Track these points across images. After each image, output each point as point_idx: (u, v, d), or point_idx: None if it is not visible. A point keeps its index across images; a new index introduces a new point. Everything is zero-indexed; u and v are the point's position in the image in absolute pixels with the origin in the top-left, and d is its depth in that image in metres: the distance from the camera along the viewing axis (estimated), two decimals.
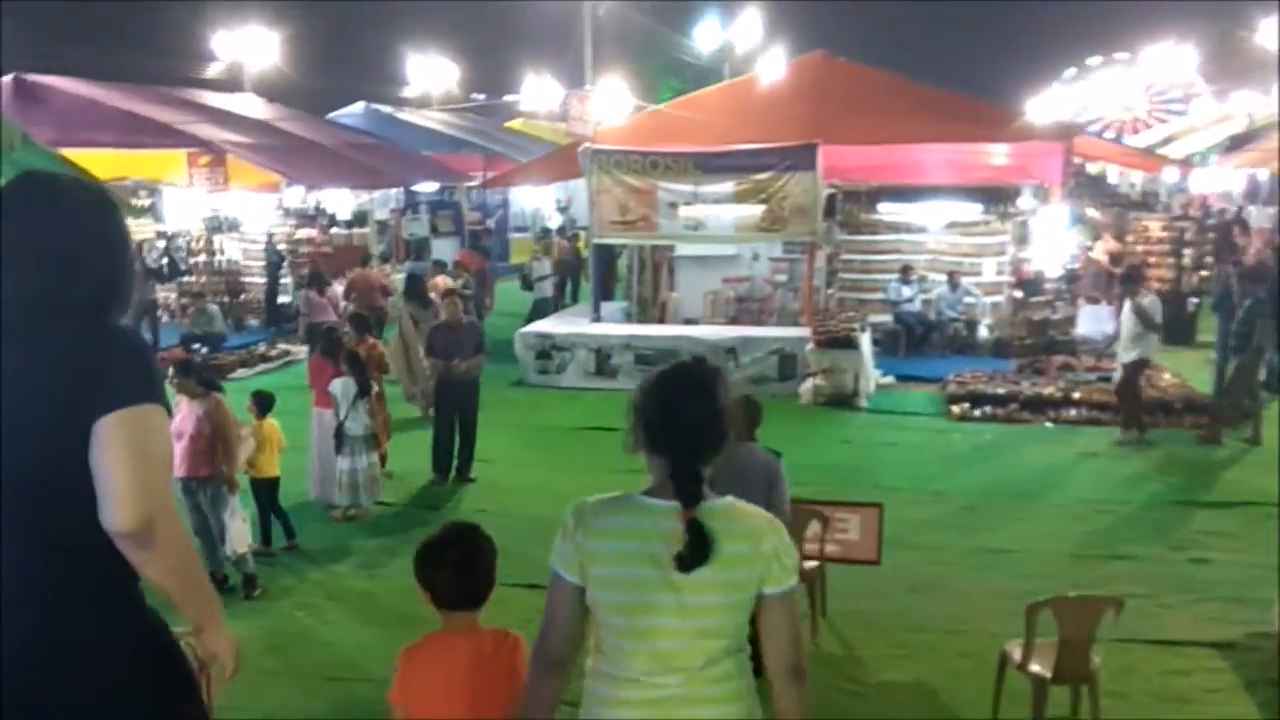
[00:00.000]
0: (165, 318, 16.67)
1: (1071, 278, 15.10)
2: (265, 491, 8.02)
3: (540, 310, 16.67)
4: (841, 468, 9.94)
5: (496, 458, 10.31)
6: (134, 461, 1.92)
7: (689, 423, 2.28)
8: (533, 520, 8.59)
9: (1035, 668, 5.12)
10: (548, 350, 13.66)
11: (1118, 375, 10.83)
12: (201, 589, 2.24)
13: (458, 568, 2.93)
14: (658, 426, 2.30)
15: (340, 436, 8.66)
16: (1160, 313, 10.57)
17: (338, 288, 15.16)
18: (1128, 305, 10.40)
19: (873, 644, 6.41)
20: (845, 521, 6.50)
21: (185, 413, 6.90)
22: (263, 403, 8.10)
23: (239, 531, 7.03)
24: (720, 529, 2.25)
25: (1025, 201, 15.03)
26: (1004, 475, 9.82)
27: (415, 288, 13.10)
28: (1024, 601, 6.73)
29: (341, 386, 8.67)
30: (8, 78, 15.88)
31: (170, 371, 6.97)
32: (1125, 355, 10.58)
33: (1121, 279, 11.47)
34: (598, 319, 14.59)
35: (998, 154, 14.75)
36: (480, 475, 9.76)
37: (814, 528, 6.37)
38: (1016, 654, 5.24)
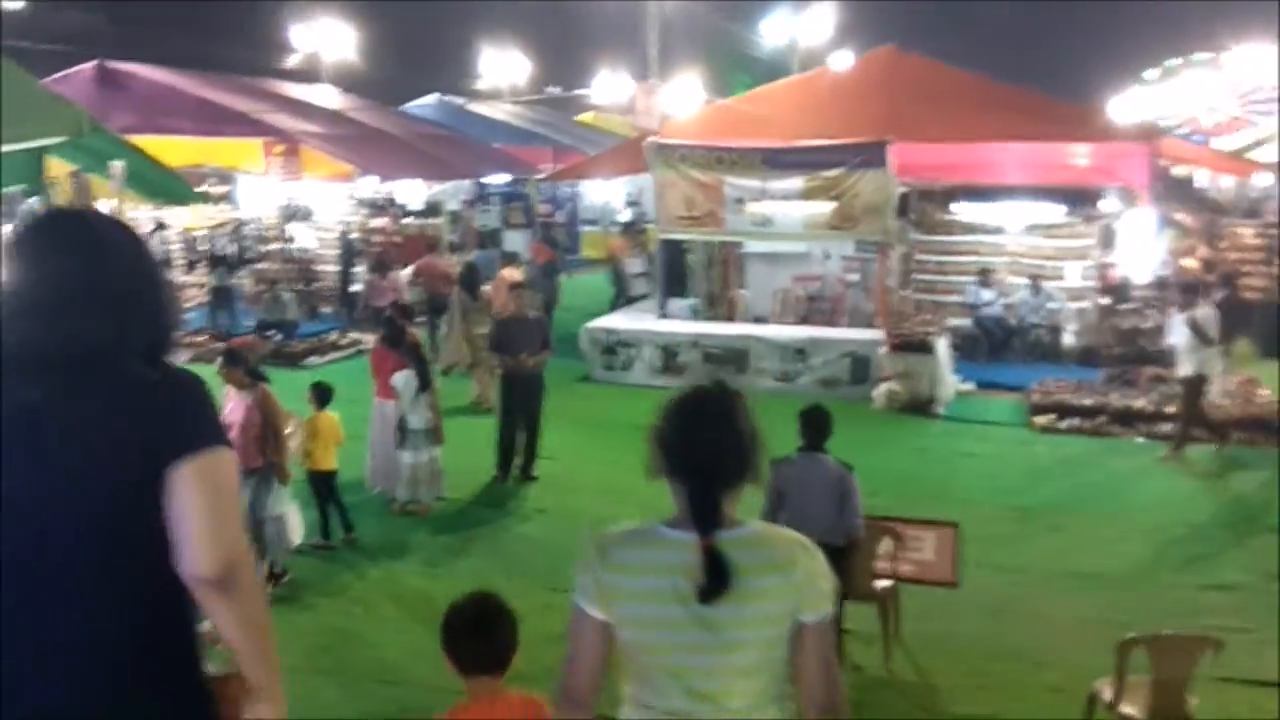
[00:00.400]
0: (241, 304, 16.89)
1: (1162, 285, 14.40)
2: (322, 484, 7.94)
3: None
4: (916, 478, 9.53)
5: (560, 454, 10.11)
6: (211, 507, 1.91)
7: (707, 448, 2.16)
8: (595, 521, 8.35)
9: (1128, 709, 4.74)
10: (614, 346, 13.43)
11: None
12: (268, 643, 2.13)
13: (476, 634, 2.95)
14: (676, 452, 2.20)
15: (403, 430, 8.56)
16: (1216, 326, 9.99)
17: (400, 273, 15.16)
18: (1181, 317, 9.91)
19: (949, 671, 6.05)
20: (919, 540, 6.14)
21: (234, 404, 6.81)
22: (322, 394, 8.03)
23: (295, 525, 6.97)
24: (745, 560, 2.10)
25: (1109, 204, 14.37)
26: (1092, 492, 9.31)
27: (468, 277, 12.97)
28: (1114, 630, 6.35)
29: (404, 379, 8.55)
30: (91, 65, 16.17)
31: (219, 362, 6.88)
32: (1181, 370, 10.08)
33: (1181, 289, 10.89)
34: (664, 315, 14.31)
35: (1079, 154, 14.08)
36: (542, 472, 9.57)
37: (886, 545, 6.03)
38: (1107, 693, 4.87)
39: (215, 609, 1.98)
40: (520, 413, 9.44)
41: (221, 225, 15.83)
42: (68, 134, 7.52)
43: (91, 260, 1.95)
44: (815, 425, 5.48)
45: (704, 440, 2.17)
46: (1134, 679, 4.72)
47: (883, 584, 6.06)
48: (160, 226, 16.97)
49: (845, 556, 5.34)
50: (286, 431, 7.13)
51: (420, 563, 7.69)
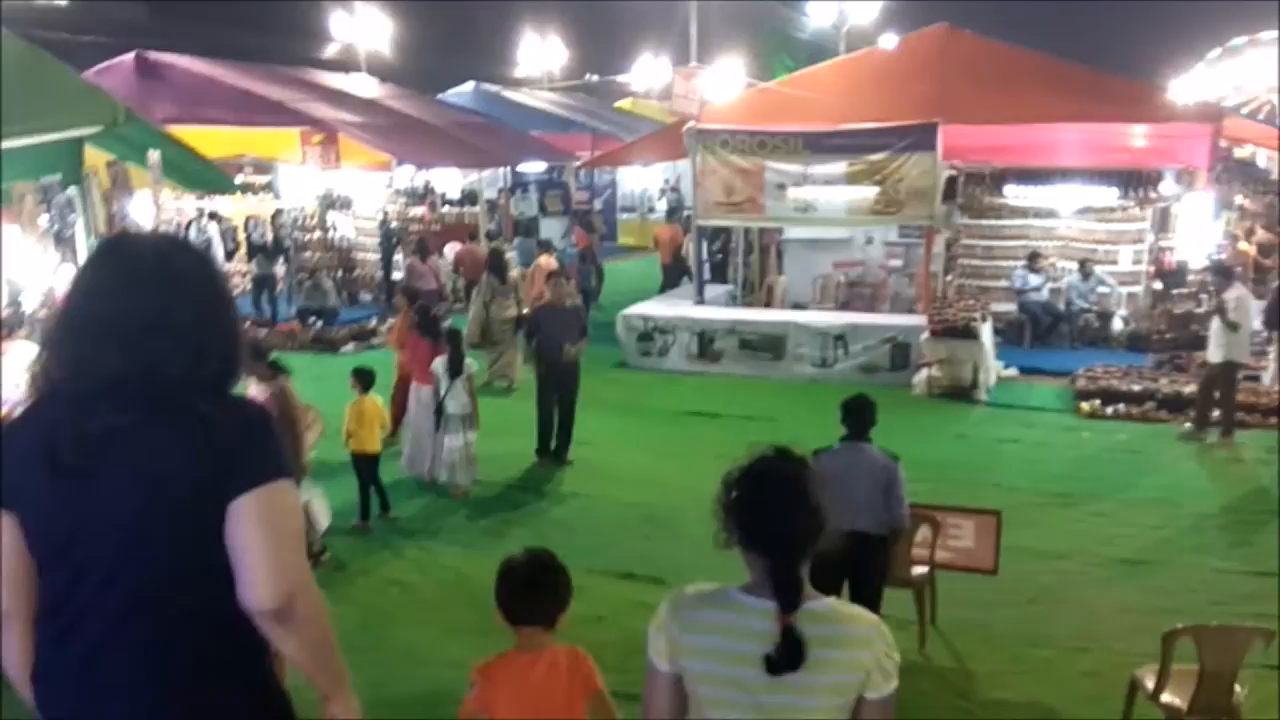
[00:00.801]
0: (283, 291, 17.06)
1: (1219, 270, 13.98)
2: (366, 466, 8.00)
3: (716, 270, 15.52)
4: (957, 465, 9.37)
5: (595, 440, 10.07)
6: (273, 539, 1.91)
7: (786, 526, 2.20)
8: (628, 507, 8.39)
9: (1170, 699, 4.61)
10: (650, 333, 13.37)
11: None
12: (334, 660, 2.16)
13: (527, 585, 3.14)
14: (752, 528, 2.22)
15: (440, 414, 8.61)
16: (1248, 311, 9.78)
17: (438, 259, 15.28)
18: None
19: (986, 657, 5.94)
20: (959, 527, 6.01)
21: (254, 395, 6.71)
22: (364, 379, 8.13)
23: (320, 509, 6.96)
24: (819, 635, 2.15)
25: (1168, 187, 13.99)
26: (1138, 479, 9.10)
27: (496, 262, 13.02)
28: (1156, 618, 6.22)
29: (443, 365, 8.62)
30: (129, 55, 16.36)
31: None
32: (1211, 356, 9.87)
33: (1214, 271, 10.61)
34: (701, 302, 14.21)
35: (1137, 135, 13.74)
36: (578, 458, 9.54)
37: (924, 532, 5.92)
38: (1149, 681, 4.73)
39: (278, 638, 1.99)
40: (555, 399, 9.42)
41: (257, 215, 15.97)
42: (103, 124, 7.64)
43: (167, 289, 1.94)
44: (858, 414, 5.36)
45: (780, 515, 2.21)
46: (1179, 667, 4.59)
47: (919, 570, 5.95)
48: (213, 216, 17.12)
49: (887, 547, 5.25)
50: (306, 424, 7.05)
51: (456, 544, 7.70)
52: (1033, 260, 13.79)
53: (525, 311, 12.41)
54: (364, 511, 7.99)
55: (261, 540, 1.89)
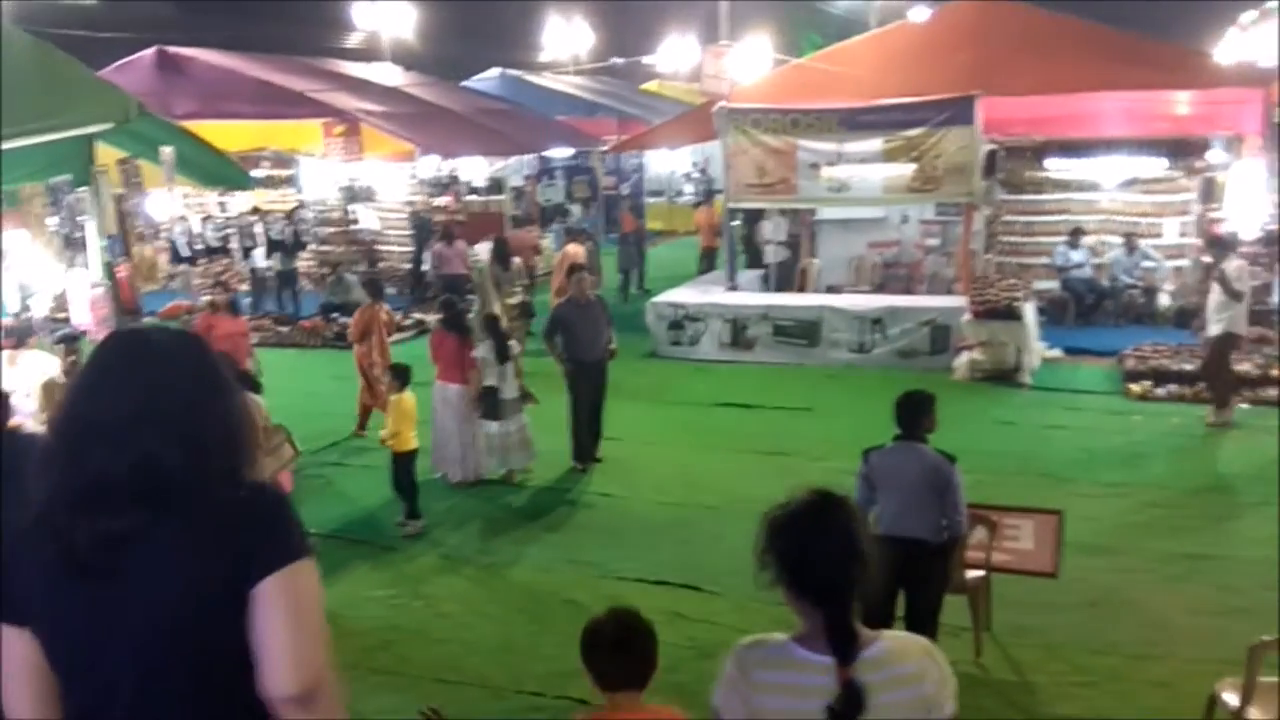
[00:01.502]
0: (307, 286, 16.88)
1: (1270, 240, 13.40)
2: (402, 465, 7.78)
3: (778, 281, 14.77)
4: (1003, 454, 8.96)
5: (625, 435, 9.77)
6: (293, 625, 1.86)
7: (840, 577, 2.18)
8: (660, 509, 8.07)
9: (1257, 715, 4.22)
10: (680, 321, 13.01)
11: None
12: None
13: (618, 650, 3.03)
14: (803, 578, 2.20)
15: (493, 401, 8.53)
16: (1247, 280, 9.42)
17: (465, 244, 15.18)
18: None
19: (1046, 667, 5.58)
20: (1016, 528, 5.64)
21: None
22: (401, 375, 7.91)
23: None
24: (878, 681, 2.15)
25: (1215, 155, 13.40)
26: (1196, 465, 8.65)
27: (499, 249, 13.30)
28: (1229, 621, 5.85)
29: (489, 350, 8.57)
30: (150, 51, 16.16)
31: None
32: (1211, 328, 9.50)
33: (1209, 242, 10.16)
34: (733, 287, 13.84)
35: (1183, 102, 13.17)
36: (607, 454, 9.23)
37: (979, 534, 5.55)
38: (1230, 696, 4.35)
39: None
40: (586, 398, 9.07)
41: (270, 211, 15.80)
42: (115, 120, 7.36)
43: (148, 381, 1.88)
44: (912, 412, 5.00)
45: (833, 565, 2.18)
46: (1265, 681, 4.21)
47: (973, 574, 5.59)
48: (255, 211, 16.84)
49: (945, 555, 4.89)
50: (269, 447, 6.31)
51: (482, 553, 7.42)
52: (1075, 236, 13.30)
53: (526, 299, 12.98)
54: (413, 508, 7.79)
55: (283, 626, 1.85)
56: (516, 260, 13.54)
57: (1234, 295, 9.29)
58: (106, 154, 8.08)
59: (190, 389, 1.91)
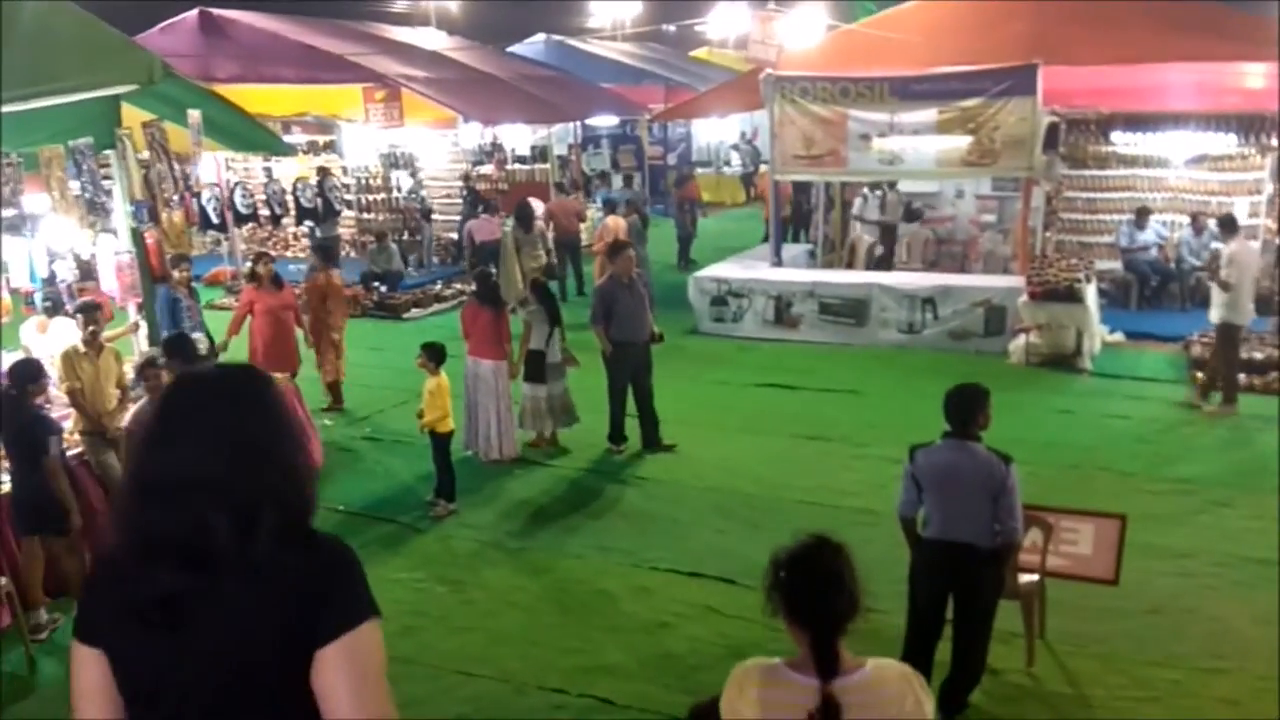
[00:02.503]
0: (350, 253, 16.73)
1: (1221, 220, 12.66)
2: (440, 447, 7.56)
3: (879, 265, 14.11)
4: (1060, 445, 8.53)
5: (665, 416, 9.39)
6: (358, 688, 1.80)
7: (828, 610, 2.50)
8: (697, 494, 7.78)
9: None
10: (724, 297, 12.63)
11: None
12: None
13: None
14: (798, 608, 2.54)
15: (539, 364, 8.53)
16: (1246, 268, 8.97)
17: (502, 213, 15.14)
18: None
19: (1104, 679, 5.22)
20: (1075, 532, 5.26)
21: (145, 409, 6.01)
22: (436, 355, 7.64)
23: None
24: (855, 702, 2.44)
25: None
26: (1266, 462, 8.12)
27: (521, 213, 13.48)
28: None
29: (543, 315, 8.54)
30: (193, 12, 16.02)
31: (160, 359, 6.14)
32: (1211, 315, 9.22)
33: (1220, 222, 9.65)
34: (779, 263, 13.41)
35: (1257, 75, 12.47)
36: (637, 436, 8.88)
37: (1034, 536, 5.18)
38: None
39: None
40: (634, 383, 8.67)
41: (305, 176, 15.58)
42: (138, 81, 7.19)
43: (197, 440, 1.81)
44: (964, 407, 4.60)
45: (822, 599, 2.50)
46: None
47: (1027, 579, 5.23)
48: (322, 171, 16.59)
49: (998, 562, 4.54)
50: None
51: (512, 537, 7.17)
52: (1141, 216, 12.67)
53: (551, 262, 13.37)
54: (448, 491, 7.58)
55: (348, 690, 1.79)
56: (539, 223, 13.68)
57: (1221, 285, 9.01)
58: (135, 116, 7.91)
59: (249, 443, 1.82)
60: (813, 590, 2.50)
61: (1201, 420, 9.16)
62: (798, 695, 2.48)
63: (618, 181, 22.12)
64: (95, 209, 7.12)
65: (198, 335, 8.19)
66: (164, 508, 1.77)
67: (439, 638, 5.80)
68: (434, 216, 17.30)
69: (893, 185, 14.33)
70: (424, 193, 17.35)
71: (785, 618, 2.55)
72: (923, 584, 4.63)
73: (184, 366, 5.75)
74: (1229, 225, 9.40)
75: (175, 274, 8.67)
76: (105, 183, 7.35)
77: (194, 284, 9.12)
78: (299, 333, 9.43)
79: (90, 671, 1.84)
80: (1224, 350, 9.28)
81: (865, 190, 14.62)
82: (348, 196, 16.91)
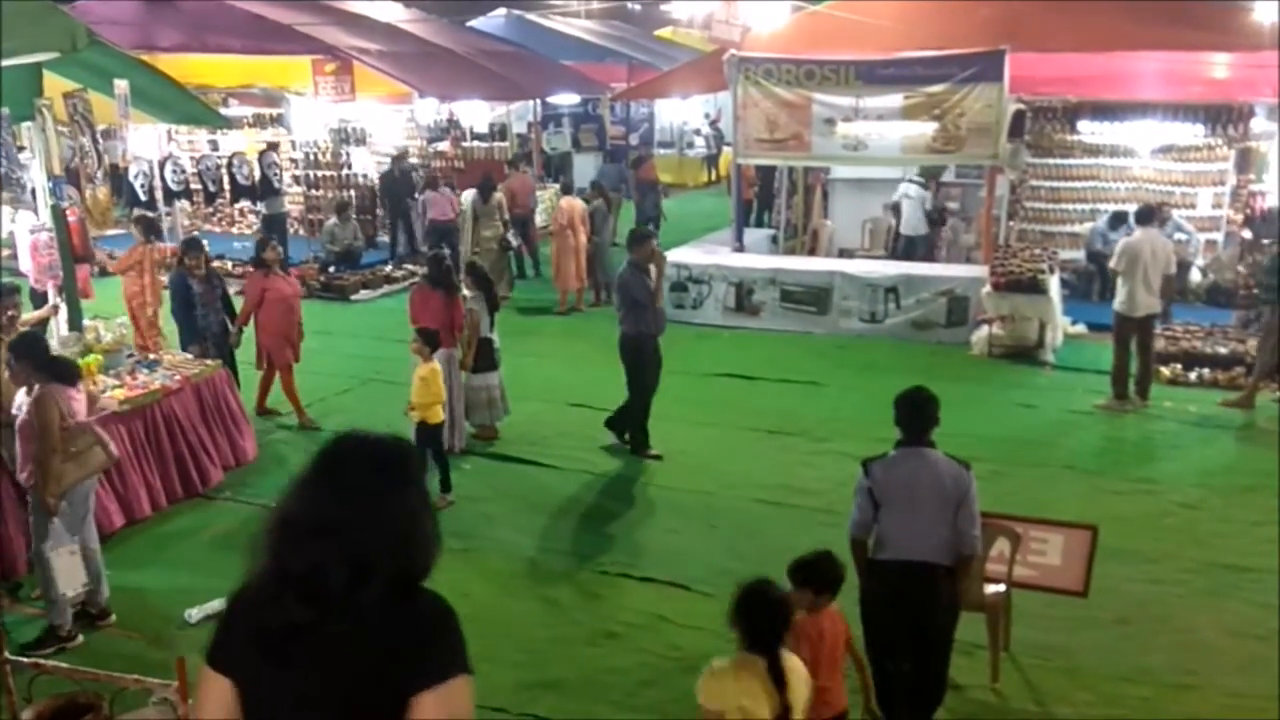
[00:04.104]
0: (298, 230, 16.18)
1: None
2: (432, 438, 7.20)
3: (910, 250, 13.54)
4: (1021, 441, 8.34)
5: (616, 406, 9.16)
6: None
7: (776, 640, 3.35)
8: (651, 491, 7.48)
9: None
10: (683, 283, 12.30)
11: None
12: None
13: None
14: (754, 638, 3.34)
15: (489, 351, 8.32)
16: (1142, 258, 8.83)
17: (455, 191, 14.72)
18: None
19: (1071, 695, 5.01)
20: (1044, 542, 5.02)
21: (20, 405, 5.39)
22: (431, 339, 7.31)
23: (68, 569, 5.29)
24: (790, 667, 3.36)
25: (1258, 124, 12.59)
26: (1233, 462, 8.02)
27: (482, 184, 13.68)
28: (1273, 647, 5.26)
29: (481, 303, 8.30)
30: None
31: (8, 358, 5.61)
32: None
33: (1137, 213, 9.47)
34: (740, 249, 13.12)
35: (1225, 65, 12.35)
36: (599, 432, 8.57)
37: (1001, 546, 4.94)
38: None
39: None
40: (651, 379, 8.17)
41: (237, 154, 15.03)
42: (60, 49, 6.65)
43: (334, 494, 1.98)
44: (918, 412, 4.31)
45: (774, 633, 3.35)
46: None
47: (993, 590, 4.99)
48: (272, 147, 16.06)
49: (958, 579, 4.26)
50: (70, 451, 5.29)
51: (457, 536, 6.75)
52: (1116, 221, 12.37)
53: (504, 234, 13.34)
54: (445, 483, 7.24)
55: None
56: (498, 195, 13.60)
57: (1111, 273, 9.23)
58: (56, 85, 7.41)
59: (380, 504, 1.97)
60: (768, 626, 3.34)
61: (1166, 415, 9.01)
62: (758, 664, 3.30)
63: (584, 161, 21.77)
64: (9, 184, 6.64)
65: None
66: (296, 546, 1.93)
67: None
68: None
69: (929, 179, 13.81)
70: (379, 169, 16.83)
71: (744, 644, 3.35)
72: (881, 613, 4.27)
73: (34, 370, 5.25)
74: (1142, 216, 9.24)
75: (187, 261, 8.25)
76: (21, 155, 6.86)
77: (212, 267, 8.71)
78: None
79: (217, 695, 2.00)
80: (1114, 342, 9.15)
81: (910, 188, 13.69)
82: (295, 172, 16.36)
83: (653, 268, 8.07)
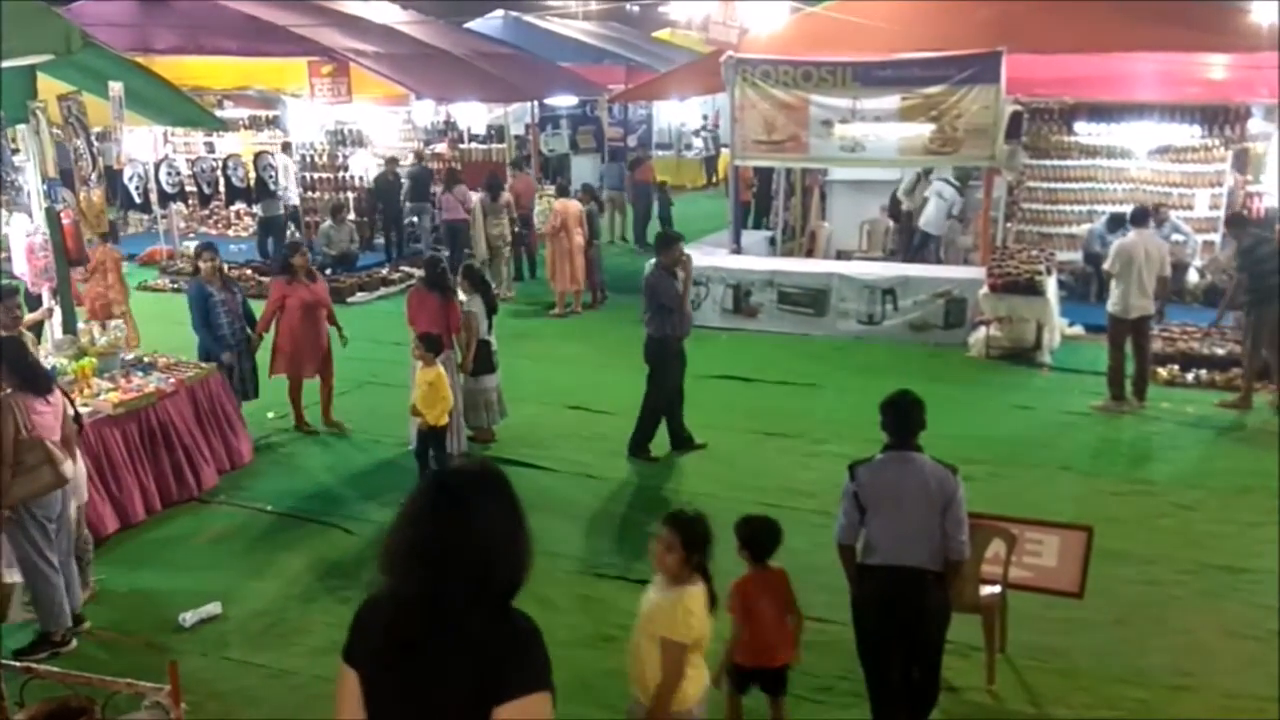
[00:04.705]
0: (294, 233, 16.16)
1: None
2: (433, 442, 7.26)
3: (924, 246, 13.59)
4: (1019, 442, 8.33)
5: (616, 409, 9.16)
6: None
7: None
8: (645, 494, 7.47)
9: None
10: None
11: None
12: None
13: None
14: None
15: (487, 354, 8.30)
16: (1137, 260, 8.87)
17: (466, 189, 14.80)
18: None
19: (1068, 698, 4.99)
20: (1039, 544, 5.01)
21: None
22: (435, 345, 7.33)
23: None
24: None
25: (1255, 124, 12.59)
26: (1230, 463, 7.99)
27: (490, 182, 13.94)
28: (1271, 648, 5.25)
29: (481, 306, 8.28)
30: None
31: None
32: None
33: (1131, 215, 9.54)
34: (737, 250, 13.11)
35: (1217, 66, 12.35)
36: (594, 431, 8.61)
37: (997, 547, 4.93)
38: None
39: None
40: (678, 381, 8.29)
41: (231, 156, 15.01)
42: (54, 51, 6.67)
43: (462, 523, 2.15)
44: (904, 415, 4.28)
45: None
46: None
47: (988, 591, 4.98)
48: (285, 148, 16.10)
49: (946, 587, 4.24)
50: (27, 465, 5.09)
51: None
52: (1114, 223, 12.39)
53: (514, 230, 13.91)
54: None
55: None
56: (505, 195, 13.90)
57: (1106, 275, 9.24)
58: (51, 88, 7.39)
59: (492, 533, 2.16)
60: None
61: (1163, 416, 9.00)
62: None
63: (581, 163, 21.79)
64: (5, 187, 6.62)
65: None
66: (419, 571, 2.13)
67: None
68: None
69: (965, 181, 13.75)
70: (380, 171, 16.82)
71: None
72: (872, 618, 4.25)
73: (8, 375, 5.13)
74: (1137, 218, 9.28)
75: (201, 264, 8.04)
76: (16, 158, 6.85)
77: (226, 273, 8.42)
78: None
79: (349, 688, 2.21)
80: (1109, 344, 9.16)
81: (944, 188, 13.59)
82: (292, 174, 16.33)
83: (679, 270, 8.09)
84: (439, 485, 2.26)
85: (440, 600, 2.11)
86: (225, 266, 8.43)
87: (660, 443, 8.28)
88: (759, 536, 4.30)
